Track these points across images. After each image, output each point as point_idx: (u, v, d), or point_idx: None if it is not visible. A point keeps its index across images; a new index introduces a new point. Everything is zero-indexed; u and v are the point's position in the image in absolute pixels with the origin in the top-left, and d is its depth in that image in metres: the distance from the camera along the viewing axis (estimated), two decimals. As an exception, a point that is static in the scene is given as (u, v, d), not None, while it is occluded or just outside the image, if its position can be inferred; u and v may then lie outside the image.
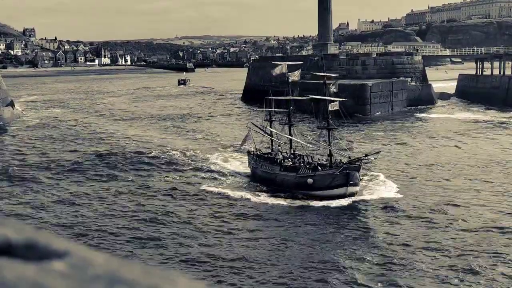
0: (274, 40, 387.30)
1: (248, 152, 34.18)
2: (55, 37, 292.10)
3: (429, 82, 73.28)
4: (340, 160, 29.04)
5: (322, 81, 32.53)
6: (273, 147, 34.25)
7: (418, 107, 65.33)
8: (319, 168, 28.50)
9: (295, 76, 34.79)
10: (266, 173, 30.90)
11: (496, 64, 73.45)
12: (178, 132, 51.26)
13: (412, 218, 23.85)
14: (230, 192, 29.01)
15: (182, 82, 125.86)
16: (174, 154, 38.99)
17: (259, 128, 35.13)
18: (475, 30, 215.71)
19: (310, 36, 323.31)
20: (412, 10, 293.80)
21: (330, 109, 30.39)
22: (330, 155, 29.05)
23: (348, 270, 18.08)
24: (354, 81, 61.33)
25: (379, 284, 17.07)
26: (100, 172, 34.46)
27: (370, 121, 55.31)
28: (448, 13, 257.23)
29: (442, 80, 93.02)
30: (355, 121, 48.74)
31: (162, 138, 47.30)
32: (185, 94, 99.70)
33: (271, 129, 34.40)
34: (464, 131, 49.40)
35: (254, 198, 27.84)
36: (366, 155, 27.97)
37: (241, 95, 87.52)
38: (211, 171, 34.02)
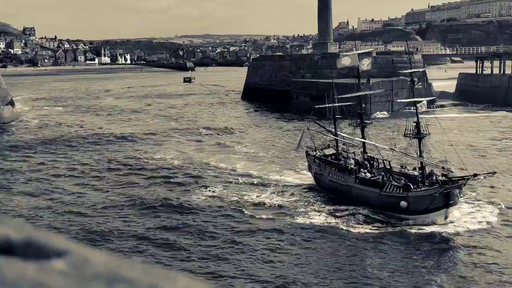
0: (274, 39, 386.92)
1: (307, 154, 30.16)
2: (55, 36, 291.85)
3: (429, 81, 73.17)
4: (431, 171, 24.40)
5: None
6: (339, 149, 29.95)
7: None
8: (411, 186, 23.70)
9: (365, 65, 30.52)
10: (337, 184, 26.64)
11: (496, 63, 73.42)
12: (192, 132, 50.85)
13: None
14: (290, 199, 26.23)
15: (187, 80, 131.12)
16: (189, 159, 37.64)
17: (322, 127, 30.90)
18: (475, 29, 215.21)
19: (310, 35, 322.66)
20: (412, 9, 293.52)
21: (420, 111, 25.42)
22: (422, 167, 24.55)
23: None
24: (354, 80, 61.04)
25: None
26: (120, 178, 32.69)
27: (372, 121, 54.88)
28: (448, 12, 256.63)
29: (442, 79, 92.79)
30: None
31: (178, 139, 46.78)
32: (191, 94, 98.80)
33: (336, 131, 30.02)
34: (466, 130, 49.29)
35: (317, 212, 24.51)
36: (475, 175, 22.52)
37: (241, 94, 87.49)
38: (267, 182, 30.15)
